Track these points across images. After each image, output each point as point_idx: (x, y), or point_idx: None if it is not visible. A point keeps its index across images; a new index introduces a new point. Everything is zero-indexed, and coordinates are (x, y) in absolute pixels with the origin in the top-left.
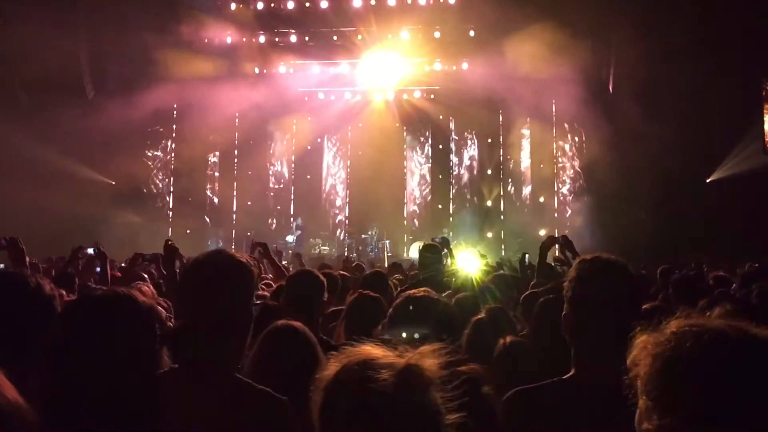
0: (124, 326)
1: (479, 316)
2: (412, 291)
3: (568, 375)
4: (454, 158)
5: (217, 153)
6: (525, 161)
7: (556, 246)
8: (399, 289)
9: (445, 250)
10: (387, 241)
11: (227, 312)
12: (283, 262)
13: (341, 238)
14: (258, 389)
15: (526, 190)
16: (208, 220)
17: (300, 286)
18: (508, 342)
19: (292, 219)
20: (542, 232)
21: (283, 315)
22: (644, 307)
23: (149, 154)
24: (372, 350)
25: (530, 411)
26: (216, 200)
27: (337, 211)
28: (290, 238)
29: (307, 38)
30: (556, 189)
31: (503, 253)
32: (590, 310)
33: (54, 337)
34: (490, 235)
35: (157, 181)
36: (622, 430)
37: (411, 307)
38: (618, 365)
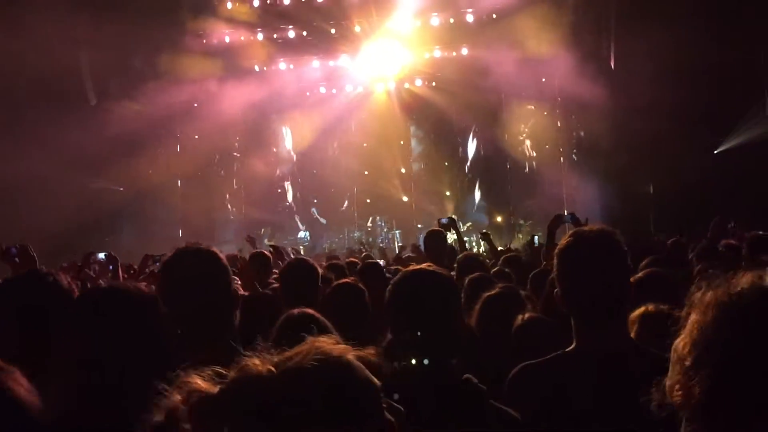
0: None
1: (490, 293)
2: (416, 267)
3: (570, 348)
4: (458, 144)
5: (222, 153)
6: (529, 143)
7: (566, 225)
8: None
9: (453, 230)
10: (397, 231)
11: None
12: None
13: (350, 231)
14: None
15: (533, 172)
16: (222, 216)
17: (294, 275)
18: (527, 318)
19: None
20: (550, 213)
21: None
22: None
23: (155, 157)
24: None
25: (536, 385)
26: (227, 197)
27: (344, 205)
28: (302, 235)
29: (305, 33)
30: (562, 169)
31: (517, 235)
32: (574, 283)
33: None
34: (499, 219)
35: (165, 184)
36: (623, 398)
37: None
38: (614, 334)
